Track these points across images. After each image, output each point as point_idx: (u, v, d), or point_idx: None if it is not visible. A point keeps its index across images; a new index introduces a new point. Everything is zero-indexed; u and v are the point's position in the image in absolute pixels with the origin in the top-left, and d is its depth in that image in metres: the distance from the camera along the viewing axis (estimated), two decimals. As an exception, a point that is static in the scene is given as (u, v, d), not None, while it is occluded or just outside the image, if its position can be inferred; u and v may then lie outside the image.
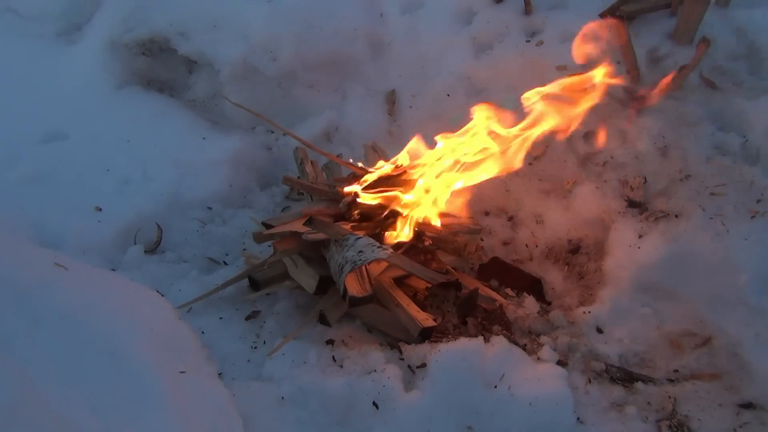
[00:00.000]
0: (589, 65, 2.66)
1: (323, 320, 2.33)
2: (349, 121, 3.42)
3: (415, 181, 2.56)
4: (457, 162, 2.53)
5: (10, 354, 1.52)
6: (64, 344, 1.63)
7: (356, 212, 2.54)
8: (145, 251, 2.73)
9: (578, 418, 2.10)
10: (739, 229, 2.47)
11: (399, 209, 2.49)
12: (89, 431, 1.44)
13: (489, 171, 2.55)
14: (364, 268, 2.27)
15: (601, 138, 2.87)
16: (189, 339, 1.99)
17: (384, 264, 2.40)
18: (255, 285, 2.52)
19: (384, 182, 2.57)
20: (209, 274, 2.64)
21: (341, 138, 3.41)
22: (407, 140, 2.70)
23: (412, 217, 2.49)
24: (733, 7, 3.14)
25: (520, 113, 2.56)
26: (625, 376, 2.28)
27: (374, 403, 2.05)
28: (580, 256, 2.76)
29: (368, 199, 2.50)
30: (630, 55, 2.89)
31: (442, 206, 2.58)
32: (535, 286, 2.68)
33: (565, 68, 3.03)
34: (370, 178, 2.57)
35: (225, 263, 2.75)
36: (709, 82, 2.88)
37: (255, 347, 2.30)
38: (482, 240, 2.84)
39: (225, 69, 3.47)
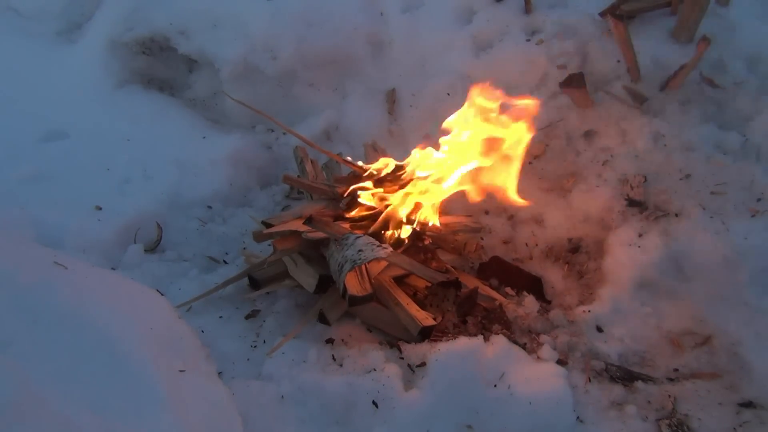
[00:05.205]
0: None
1: (323, 319, 2.32)
2: (349, 120, 3.42)
3: (414, 181, 2.55)
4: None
5: (9, 353, 1.52)
6: (63, 343, 1.63)
7: (356, 211, 2.53)
8: (145, 250, 2.73)
9: (578, 417, 2.10)
10: (739, 228, 2.47)
11: (398, 209, 2.49)
12: (88, 430, 1.44)
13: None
14: (363, 267, 2.27)
15: (602, 136, 2.87)
16: (189, 338, 1.99)
17: (384, 263, 2.40)
18: (255, 284, 2.53)
19: (385, 182, 2.57)
20: (209, 273, 2.65)
21: (341, 137, 3.41)
22: (407, 139, 2.70)
23: (411, 216, 2.49)
24: (733, 6, 3.13)
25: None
26: (625, 375, 2.28)
27: (374, 402, 2.05)
28: (580, 255, 2.76)
29: (368, 198, 2.50)
30: (630, 53, 2.89)
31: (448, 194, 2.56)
32: (535, 285, 2.68)
33: (565, 67, 3.03)
34: (370, 178, 2.56)
35: (225, 262, 2.76)
36: (709, 81, 2.88)
37: (255, 346, 2.30)
38: (482, 239, 2.84)
39: (225, 68, 3.47)
